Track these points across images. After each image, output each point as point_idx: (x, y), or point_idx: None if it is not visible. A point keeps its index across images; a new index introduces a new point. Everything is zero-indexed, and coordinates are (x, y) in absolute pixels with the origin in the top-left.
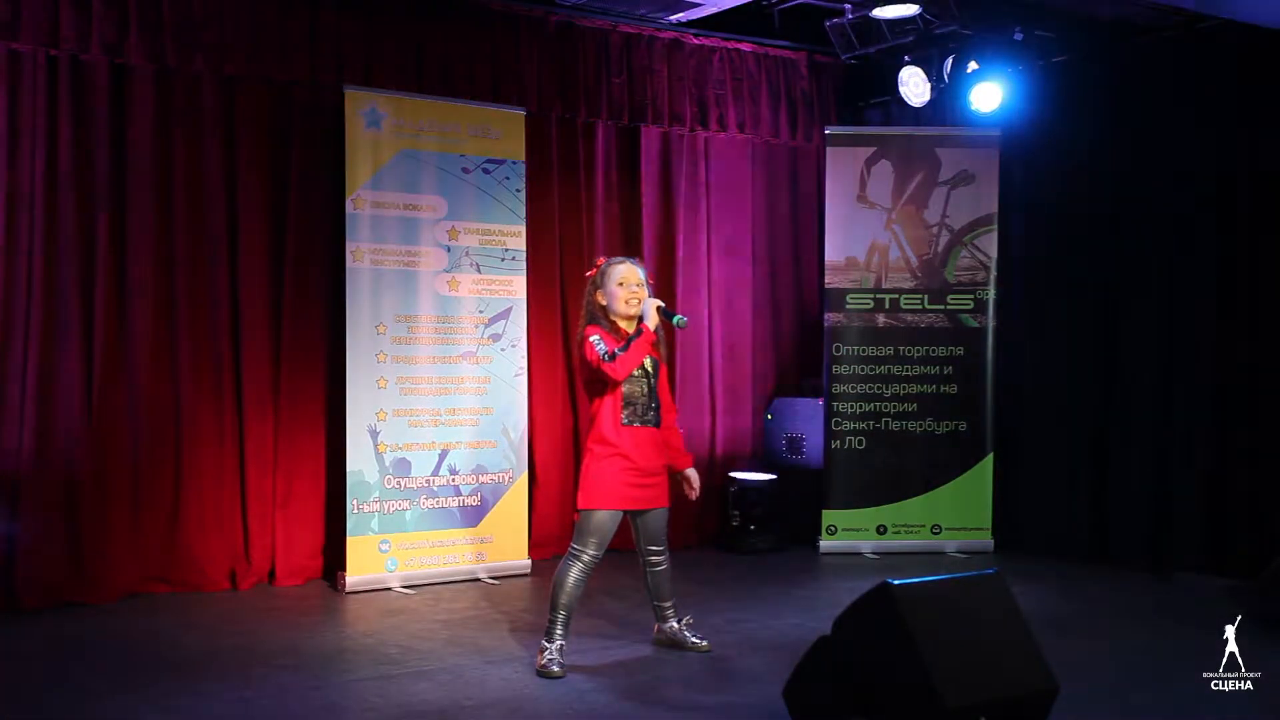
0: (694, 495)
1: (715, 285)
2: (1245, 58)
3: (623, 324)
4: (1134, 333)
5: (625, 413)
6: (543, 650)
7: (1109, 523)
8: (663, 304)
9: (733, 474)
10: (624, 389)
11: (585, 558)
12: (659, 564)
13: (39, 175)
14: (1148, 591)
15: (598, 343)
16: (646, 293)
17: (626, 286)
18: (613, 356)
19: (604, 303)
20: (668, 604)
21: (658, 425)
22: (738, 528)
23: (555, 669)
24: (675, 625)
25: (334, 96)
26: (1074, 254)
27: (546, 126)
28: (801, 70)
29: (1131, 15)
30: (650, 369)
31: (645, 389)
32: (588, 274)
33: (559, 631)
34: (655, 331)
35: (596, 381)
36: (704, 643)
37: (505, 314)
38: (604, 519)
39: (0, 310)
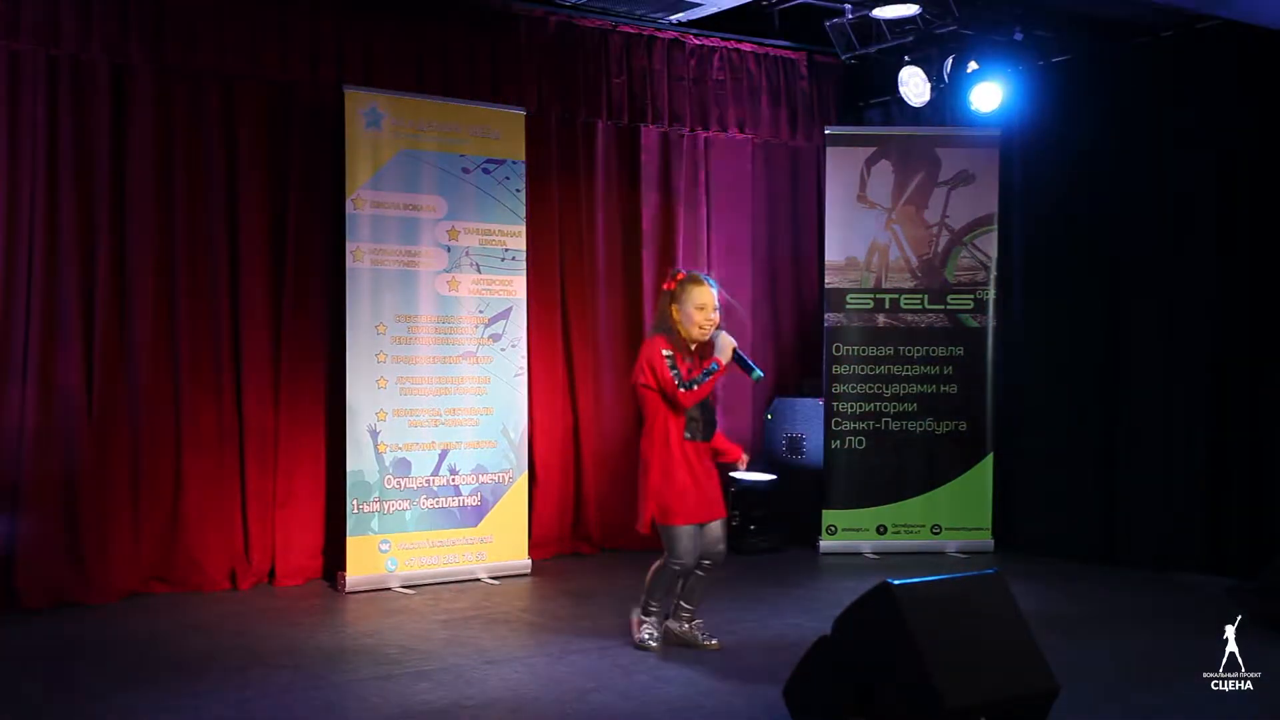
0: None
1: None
2: (1245, 58)
3: (691, 344)
4: (1133, 332)
5: (689, 429)
6: (643, 626)
7: (1109, 522)
8: (737, 345)
9: (733, 474)
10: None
11: (679, 566)
12: (706, 571)
13: (39, 175)
14: (1148, 591)
15: (672, 364)
16: (720, 317)
17: (705, 312)
18: (689, 386)
19: (677, 318)
20: (691, 608)
21: (710, 438)
22: (738, 528)
23: (653, 644)
24: (687, 626)
25: (334, 96)
26: (1074, 254)
27: (546, 126)
28: (801, 70)
29: (1131, 15)
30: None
31: (706, 405)
32: (665, 286)
33: (653, 609)
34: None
35: (663, 398)
36: (714, 642)
37: (505, 314)
38: (690, 530)
39: (0, 310)
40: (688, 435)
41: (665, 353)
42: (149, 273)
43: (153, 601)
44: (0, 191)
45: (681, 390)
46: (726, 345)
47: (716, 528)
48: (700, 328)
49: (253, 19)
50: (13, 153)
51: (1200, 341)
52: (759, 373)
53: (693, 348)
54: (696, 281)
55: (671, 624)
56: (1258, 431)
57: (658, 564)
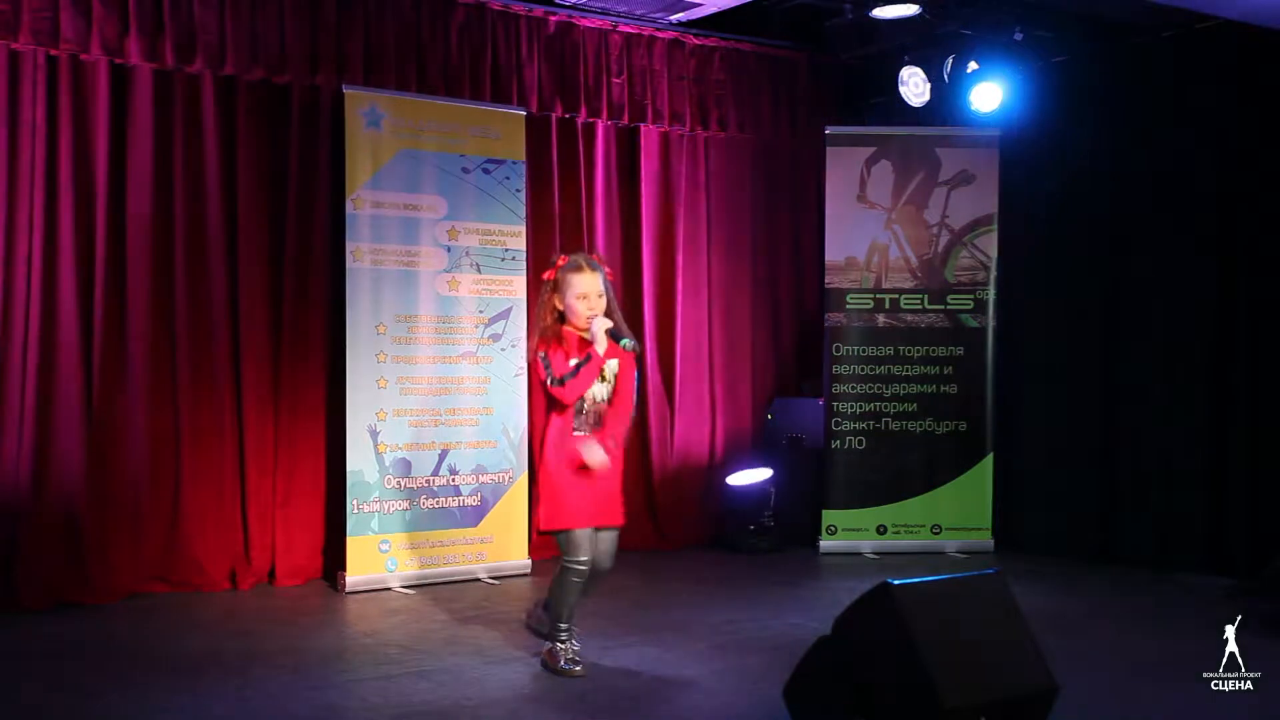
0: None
1: (715, 285)
2: (1245, 58)
3: (582, 334)
4: (1133, 332)
5: (577, 422)
6: (558, 654)
7: (1109, 522)
8: (611, 325)
9: (733, 474)
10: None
11: (580, 568)
12: (596, 581)
13: (39, 175)
14: (1148, 591)
15: (545, 363)
16: (605, 303)
17: (586, 300)
18: (561, 381)
19: (561, 308)
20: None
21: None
22: (738, 528)
23: (578, 669)
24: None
25: (334, 96)
26: (1074, 254)
27: (546, 126)
28: (801, 70)
29: (1131, 15)
30: (609, 375)
31: (602, 397)
32: (545, 275)
33: (563, 636)
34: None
35: (547, 397)
36: (579, 667)
37: (505, 314)
38: (583, 533)
39: (0, 309)
40: (577, 430)
41: (540, 353)
42: (148, 272)
43: (153, 601)
44: (0, 191)
45: (555, 387)
46: (600, 331)
47: (609, 539)
48: (587, 319)
49: (252, 18)
50: (12, 152)
51: (1200, 341)
52: (627, 342)
53: (587, 338)
54: (576, 269)
55: (533, 623)
56: (1258, 431)
57: (555, 573)
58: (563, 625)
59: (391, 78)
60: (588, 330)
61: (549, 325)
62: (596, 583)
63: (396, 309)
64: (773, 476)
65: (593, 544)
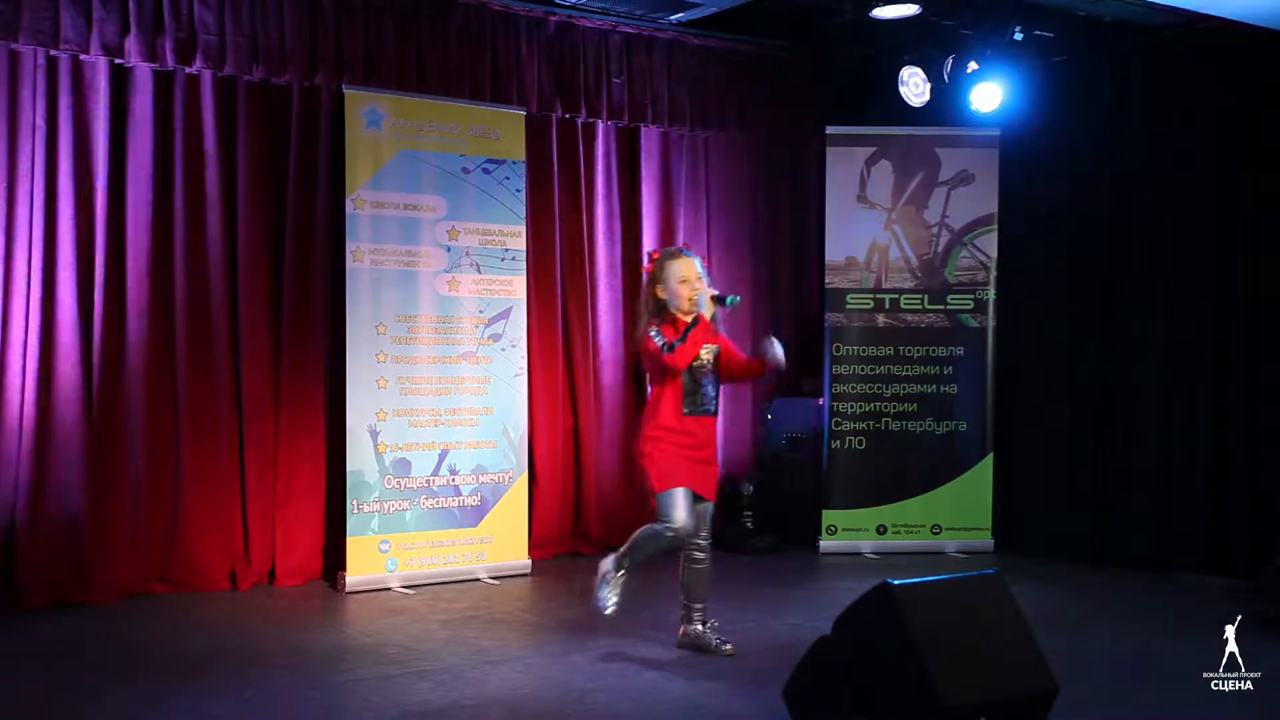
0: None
1: (716, 285)
2: (1245, 58)
3: (685, 318)
4: (1134, 332)
5: (686, 403)
6: (606, 578)
7: (1109, 522)
8: (716, 292)
9: (732, 474)
10: (684, 379)
11: (673, 531)
12: (700, 560)
13: (39, 175)
14: (1148, 591)
15: (655, 335)
16: (706, 284)
17: (689, 284)
18: (671, 348)
19: (663, 297)
20: (699, 605)
21: (716, 413)
22: (738, 528)
23: (610, 608)
24: (700, 628)
25: (334, 96)
26: (1074, 254)
27: (546, 126)
28: (801, 70)
29: (1131, 15)
30: (709, 358)
31: (704, 378)
32: (644, 268)
33: (626, 565)
34: (711, 319)
35: (659, 370)
36: (728, 646)
37: (505, 314)
38: (681, 494)
39: (0, 309)
40: (685, 410)
41: (650, 330)
42: (148, 272)
43: (153, 601)
44: (0, 191)
45: (666, 354)
46: (705, 298)
47: (704, 510)
48: (691, 300)
49: (252, 18)
50: (12, 152)
51: (1199, 341)
52: (733, 298)
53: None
54: (674, 256)
55: (686, 627)
56: (1258, 431)
57: (651, 525)
58: (628, 562)
59: (392, 78)
60: (691, 314)
61: (652, 310)
62: (699, 558)
63: (396, 309)
64: (761, 474)
65: (692, 511)
